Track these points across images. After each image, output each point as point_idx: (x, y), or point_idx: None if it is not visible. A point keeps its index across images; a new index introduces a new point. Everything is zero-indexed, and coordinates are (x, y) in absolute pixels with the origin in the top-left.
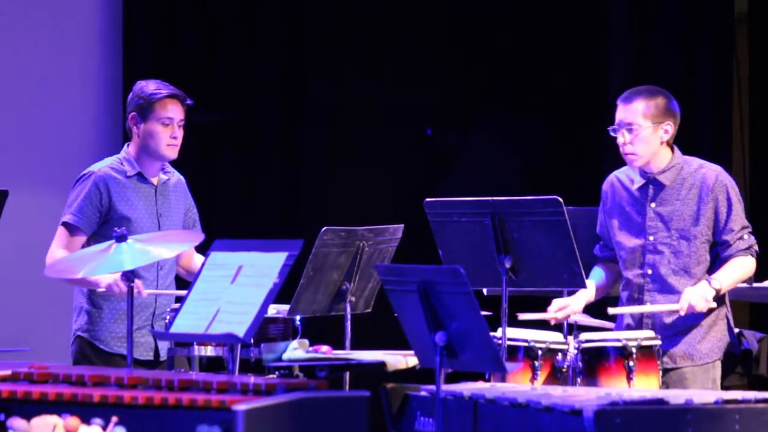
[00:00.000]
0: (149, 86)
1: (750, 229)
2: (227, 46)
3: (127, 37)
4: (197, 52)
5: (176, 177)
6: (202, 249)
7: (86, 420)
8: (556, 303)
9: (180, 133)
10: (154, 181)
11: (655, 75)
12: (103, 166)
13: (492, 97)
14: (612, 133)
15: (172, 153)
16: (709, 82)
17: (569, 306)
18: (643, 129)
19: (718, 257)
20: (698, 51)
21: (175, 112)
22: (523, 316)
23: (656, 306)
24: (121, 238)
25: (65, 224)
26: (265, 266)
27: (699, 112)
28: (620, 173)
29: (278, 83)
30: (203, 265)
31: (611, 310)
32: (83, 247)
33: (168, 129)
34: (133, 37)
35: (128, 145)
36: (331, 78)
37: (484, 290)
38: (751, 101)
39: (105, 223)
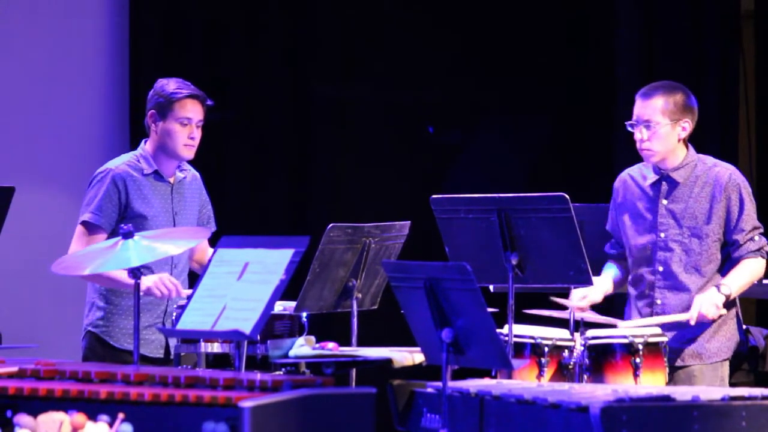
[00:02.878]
0: (170, 85)
1: (761, 230)
2: (233, 45)
3: (133, 35)
4: (203, 51)
5: (192, 174)
6: (210, 245)
7: (93, 417)
8: (578, 292)
9: (198, 134)
10: (171, 179)
11: (661, 72)
12: (120, 163)
13: (497, 95)
14: (629, 128)
15: (189, 153)
16: (716, 80)
17: (589, 296)
18: (662, 126)
19: (729, 257)
20: (705, 48)
21: (194, 112)
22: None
23: (666, 317)
24: (127, 235)
25: (85, 223)
26: (271, 263)
27: (705, 109)
28: (632, 170)
29: (284, 82)
30: (210, 261)
31: (621, 324)
32: None
33: (186, 129)
34: (139, 36)
35: (145, 142)
36: (336, 77)
37: (491, 287)
38: (758, 99)
39: (121, 220)
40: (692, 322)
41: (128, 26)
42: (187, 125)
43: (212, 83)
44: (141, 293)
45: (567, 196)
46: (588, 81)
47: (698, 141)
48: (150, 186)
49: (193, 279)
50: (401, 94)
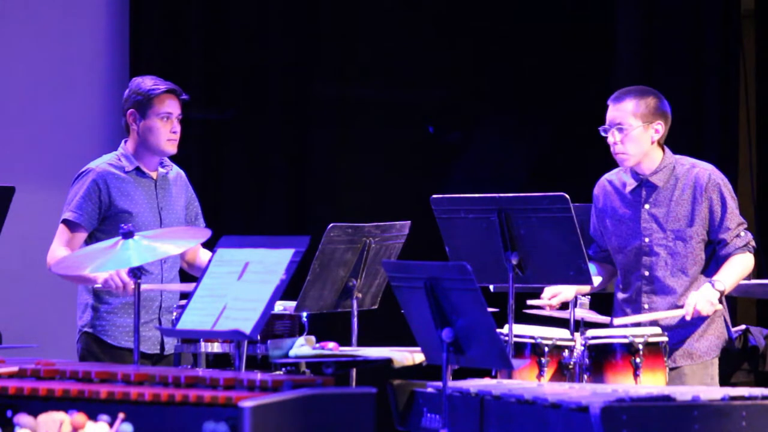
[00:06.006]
0: (146, 82)
1: (746, 226)
2: (234, 44)
3: (133, 34)
4: (204, 50)
5: (175, 170)
6: (209, 245)
7: (93, 416)
8: (549, 291)
9: (178, 128)
10: (153, 175)
11: (661, 72)
12: (101, 162)
13: (498, 95)
14: (603, 133)
15: (172, 148)
16: (716, 79)
17: (561, 293)
18: (633, 129)
19: (714, 255)
20: (705, 48)
21: (173, 106)
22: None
23: (661, 313)
24: (127, 235)
25: (65, 222)
26: (271, 263)
27: (706, 109)
28: (611, 176)
29: (285, 81)
30: (210, 261)
31: (616, 321)
32: (85, 243)
33: (167, 124)
34: (140, 34)
35: (125, 142)
36: (337, 76)
37: (491, 287)
38: (758, 98)
39: (106, 219)
40: (688, 318)
41: (128, 26)
42: (168, 120)
43: (212, 83)
44: (98, 286)
45: (567, 196)
46: (588, 81)
47: (698, 141)
48: (133, 182)
49: (185, 277)
50: (401, 94)
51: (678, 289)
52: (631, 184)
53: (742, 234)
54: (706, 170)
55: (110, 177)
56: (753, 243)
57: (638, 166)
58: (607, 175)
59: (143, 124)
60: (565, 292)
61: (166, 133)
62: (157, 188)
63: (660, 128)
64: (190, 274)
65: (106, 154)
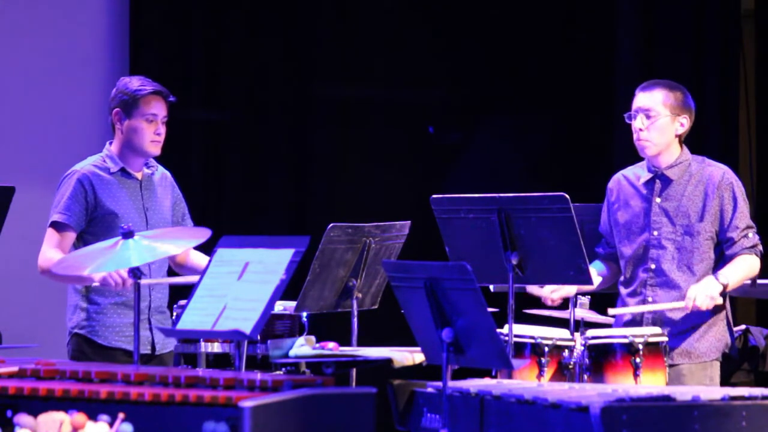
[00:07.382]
0: (133, 82)
1: (755, 229)
2: (234, 45)
3: (134, 35)
4: (205, 51)
5: (160, 171)
6: (209, 245)
7: (93, 416)
8: (549, 285)
9: (163, 130)
10: (138, 175)
11: (661, 71)
12: (86, 164)
13: (498, 95)
14: (627, 120)
15: (156, 149)
16: (716, 79)
17: (562, 288)
18: (661, 117)
19: (722, 255)
20: (705, 48)
21: (159, 108)
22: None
23: (659, 305)
24: (127, 235)
25: (54, 224)
26: (271, 263)
27: (706, 108)
28: (626, 171)
29: (284, 82)
30: (210, 261)
31: (611, 311)
32: (74, 245)
33: (152, 125)
34: (141, 35)
35: (110, 143)
36: (337, 77)
37: (491, 287)
38: (758, 98)
39: (92, 220)
40: (687, 311)
41: (128, 26)
42: (152, 122)
43: (212, 83)
44: (95, 284)
45: (567, 196)
46: (588, 81)
47: (698, 141)
48: (118, 183)
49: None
50: (402, 94)
51: (682, 284)
52: (646, 176)
53: (750, 236)
54: (720, 169)
55: (95, 178)
56: (760, 247)
57: (656, 159)
58: (622, 171)
59: (128, 124)
60: (567, 287)
61: (150, 134)
62: (142, 189)
63: (685, 123)
64: (179, 274)
65: (91, 156)
